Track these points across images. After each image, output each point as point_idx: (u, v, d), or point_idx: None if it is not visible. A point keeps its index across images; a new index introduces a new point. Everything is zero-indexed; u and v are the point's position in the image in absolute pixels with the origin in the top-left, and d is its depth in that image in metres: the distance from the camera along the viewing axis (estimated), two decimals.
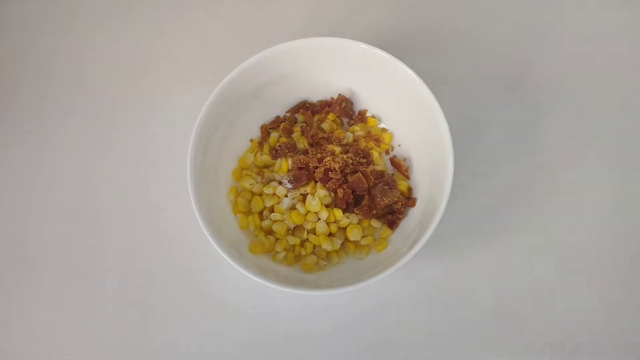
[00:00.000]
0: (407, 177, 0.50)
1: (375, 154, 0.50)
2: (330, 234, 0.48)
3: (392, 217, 0.48)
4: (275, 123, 0.52)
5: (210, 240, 0.42)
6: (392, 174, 0.50)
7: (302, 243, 0.48)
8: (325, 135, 0.50)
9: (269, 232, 0.48)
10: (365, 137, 0.51)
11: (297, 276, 0.46)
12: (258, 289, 0.49)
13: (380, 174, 0.49)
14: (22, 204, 0.53)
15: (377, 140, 0.51)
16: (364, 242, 0.47)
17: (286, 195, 0.48)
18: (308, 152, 0.49)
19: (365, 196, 0.48)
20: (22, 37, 0.59)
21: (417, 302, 0.48)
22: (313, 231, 0.47)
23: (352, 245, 0.48)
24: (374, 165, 0.49)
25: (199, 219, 0.43)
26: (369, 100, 0.52)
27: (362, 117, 0.52)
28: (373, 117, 0.52)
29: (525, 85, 0.54)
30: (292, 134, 0.51)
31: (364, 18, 0.57)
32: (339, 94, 0.51)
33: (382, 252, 0.47)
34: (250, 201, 0.49)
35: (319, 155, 0.48)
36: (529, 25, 0.56)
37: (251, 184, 0.49)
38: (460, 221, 0.49)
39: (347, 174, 0.48)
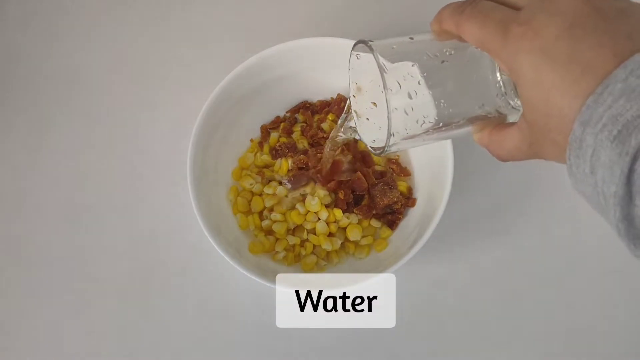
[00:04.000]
0: (407, 174, 0.49)
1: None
2: (330, 234, 0.48)
3: (392, 217, 0.48)
4: (275, 123, 0.52)
5: (210, 240, 0.42)
6: (392, 175, 0.50)
7: (302, 243, 0.48)
8: (325, 135, 0.50)
9: (269, 232, 0.48)
10: None
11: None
12: (258, 289, 0.49)
13: (381, 174, 0.49)
14: (21, 204, 0.53)
15: None
16: (364, 242, 0.47)
17: (286, 196, 0.48)
18: (308, 152, 0.49)
19: (365, 196, 0.48)
20: (20, 36, 0.59)
21: (417, 302, 0.48)
22: (313, 231, 0.47)
23: (352, 245, 0.48)
24: (374, 165, 0.49)
25: (199, 219, 0.43)
26: None
27: None
28: None
29: None
30: (292, 134, 0.51)
31: (364, 18, 0.57)
32: (338, 94, 0.51)
33: (382, 252, 0.47)
34: (250, 201, 0.49)
35: (319, 155, 0.48)
36: None
37: (251, 184, 0.49)
38: (460, 221, 0.49)
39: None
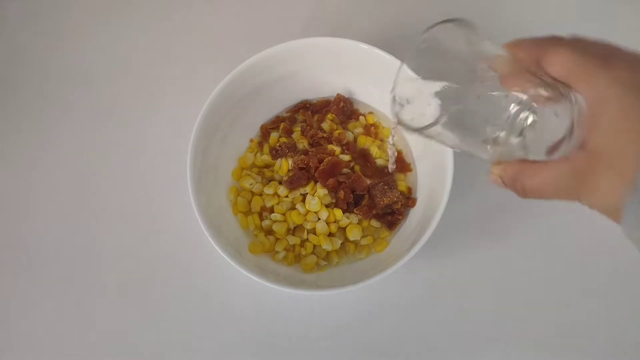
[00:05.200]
0: (408, 169, 0.49)
1: (375, 149, 0.50)
2: (330, 234, 0.48)
3: (391, 217, 0.48)
4: (275, 123, 0.52)
5: (210, 240, 0.42)
6: (392, 175, 0.50)
7: (302, 243, 0.48)
8: (325, 135, 0.50)
9: (269, 232, 0.48)
10: (364, 132, 0.51)
11: (297, 276, 0.46)
12: (258, 289, 0.49)
13: (382, 172, 0.49)
14: (21, 204, 0.53)
15: (376, 128, 0.51)
16: (364, 242, 0.47)
17: (286, 196, 0.48)
18: (308, 152, 0.49)
19: (365, 196, 0.48)
20: (21, 36, 0.59)
21: (417, 302, 0.48)
22: (313, 231, 0.47)
23: (352, 245, 0.48)
24: (374, 160, 0.49)
25: (199, 219, 0.43)
26: (368, 100, 0.52)
27: (357, 117, 0.52)
28: (371, 113, 0.52)
29: None
30: (292, 134, 0.51)
31: (364, 18, 0.57)
32: (338, 94, 0.51)
33: (382, 252, 0.47)
34: (250, 201, 0.49)
35: (319, 156, 0.48)
36: (528, 25, 0.56)
37: (251, 184, 0.49)
38: (460, 221, 0.49)
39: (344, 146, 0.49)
